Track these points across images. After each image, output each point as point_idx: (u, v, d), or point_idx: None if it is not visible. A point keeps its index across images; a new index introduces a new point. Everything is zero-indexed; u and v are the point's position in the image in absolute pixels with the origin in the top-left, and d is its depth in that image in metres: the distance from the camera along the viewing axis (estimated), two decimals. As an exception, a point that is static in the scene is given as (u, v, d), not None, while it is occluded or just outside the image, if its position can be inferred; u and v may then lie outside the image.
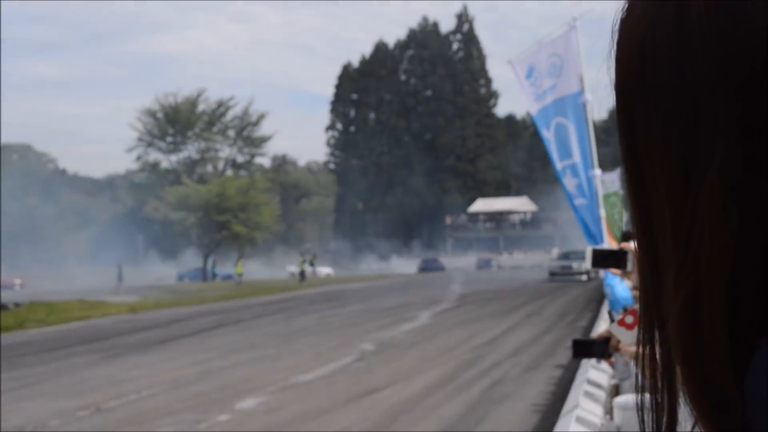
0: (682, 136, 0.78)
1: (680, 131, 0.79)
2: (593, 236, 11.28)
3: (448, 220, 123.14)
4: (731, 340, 0.80)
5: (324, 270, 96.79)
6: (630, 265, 4.35)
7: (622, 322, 3.37)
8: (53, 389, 18.37)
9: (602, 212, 11.45)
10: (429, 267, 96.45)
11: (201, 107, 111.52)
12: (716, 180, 0.76)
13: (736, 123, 0.73)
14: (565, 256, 71.25)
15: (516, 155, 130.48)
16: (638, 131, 0.84)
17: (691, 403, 0.85)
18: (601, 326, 7.04)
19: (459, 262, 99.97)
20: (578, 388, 6.11)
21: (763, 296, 0.77)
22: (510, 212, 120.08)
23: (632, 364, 6.39)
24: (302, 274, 78.84)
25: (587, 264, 4.64)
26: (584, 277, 62.20)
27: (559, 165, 11.63)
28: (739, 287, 0.77)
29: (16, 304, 44.04)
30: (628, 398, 4.50)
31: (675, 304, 0.85)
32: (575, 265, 64.75)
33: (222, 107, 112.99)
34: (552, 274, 67.22)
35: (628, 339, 3.38)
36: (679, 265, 0.83)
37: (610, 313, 3.40)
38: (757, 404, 0.73)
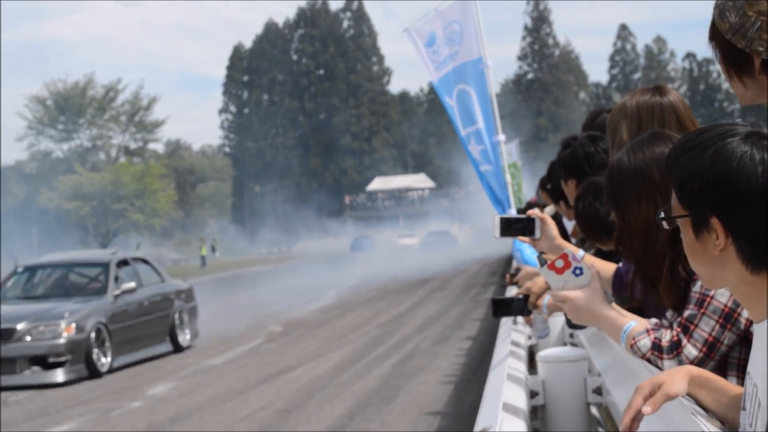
0: None
1: None
2: (500, 202, 11.39)
3: (347, 199, 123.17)
4: None
5: None
6: (538, 232, 4.37)
7: (552, 266, 3.43)
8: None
9: (508, 177, 11.56)
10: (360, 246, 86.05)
11: (90, 93, 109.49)
12: None
13: None
14: None
15: (411, 132, 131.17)
16: None
17: None
18: (513, 291, 7.20)
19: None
20: (503, 345, 6.20)
21: None
22: (408, 189, 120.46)
23: (550, 320, 6.52)
24: (203, 259, 78.63)
25: (495, 233, 4.57)
26: None
27: (463, 132, 11.69)
28: None
29: None
30: (551, 352, 4.58)
31: None
32: None
33: (111, 92, 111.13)
34: None
35: (557, 284, 3.43)
36: None
37: (539, 257, 3.37)
38: None
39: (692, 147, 2.19)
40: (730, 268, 2.14)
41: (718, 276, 2.19)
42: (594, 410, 4.37)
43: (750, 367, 2.19)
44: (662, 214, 2.30)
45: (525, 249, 9.29)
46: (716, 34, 2.65)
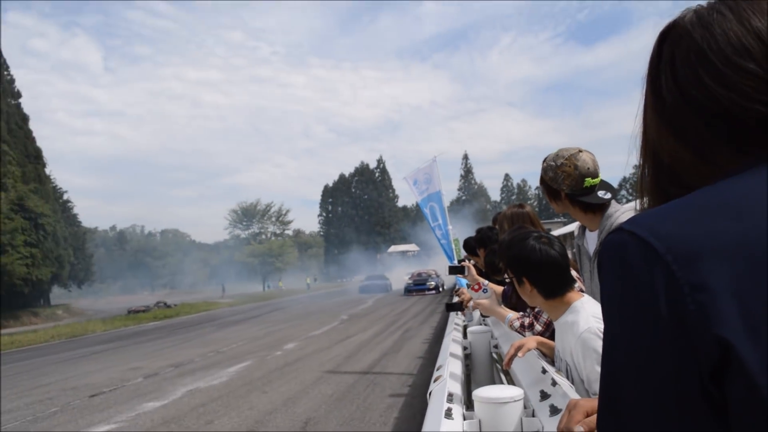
0: None
1: None
2: (450, 257, 11.36)
3: (378, 256, 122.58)
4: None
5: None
6: (467, 272, 4.36)
7: (473, 288, 3.44)
8: (195, 344, 17.88)
9: (453, 246, 11.53)
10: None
11: (258, 208, 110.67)
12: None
13: None
14: None
15: (408, 224, 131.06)
16: None
17: None
18: (456, 299, 7.15)
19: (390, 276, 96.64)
20: (450, 326, 6.14)
21: None
22: (407, 251, 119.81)
23: (475, 313, 6.42)
24: (308, 285, 78.42)
25: (447, 272, 4.55)
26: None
27: (432, 224, 11.71)
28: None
29: (175, 305, 43.45)
30: (474, 328, 4.52)
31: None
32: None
33: (268, 207, 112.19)
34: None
35: (476, 296, 3.44)
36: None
37: (467, 284, 3.39)
38: None
39: (509, 245, 2.28)
40: (538, 299, 2.24)
41: (534, 302, 2.28)
42: (494, 355, 4.33)
43: (556, 342, 2.27)
44: (506, 277, 2.37)
45: (462, 280, 9.22)
46: (543, 181, 2.72)
